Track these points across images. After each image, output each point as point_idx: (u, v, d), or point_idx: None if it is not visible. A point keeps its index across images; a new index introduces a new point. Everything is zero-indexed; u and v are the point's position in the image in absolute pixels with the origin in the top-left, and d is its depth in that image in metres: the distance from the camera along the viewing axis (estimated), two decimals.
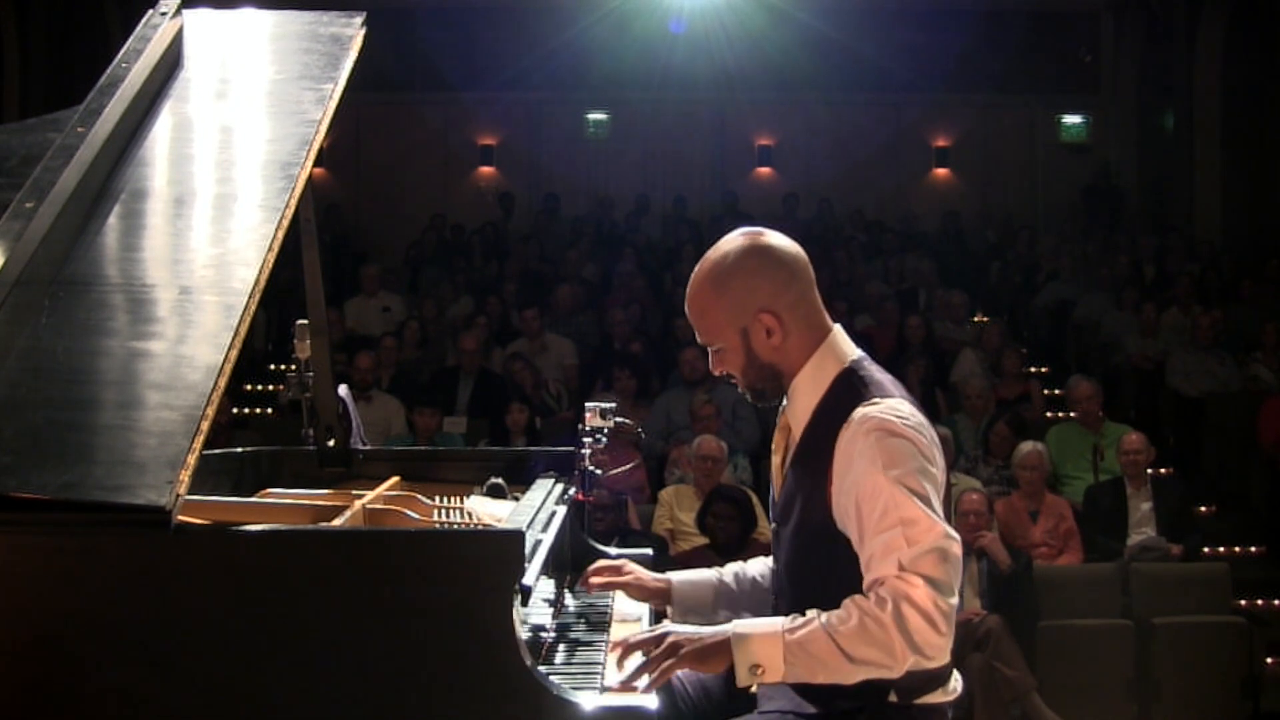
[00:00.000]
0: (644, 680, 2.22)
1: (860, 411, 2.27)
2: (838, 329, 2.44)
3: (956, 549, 2.18)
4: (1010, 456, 6.98)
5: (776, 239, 2.43)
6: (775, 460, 2.53)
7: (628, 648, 2.30)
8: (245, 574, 2.10)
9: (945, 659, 2.18)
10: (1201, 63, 13.00)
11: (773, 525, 2.54)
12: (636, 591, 2.69)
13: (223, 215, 2.66)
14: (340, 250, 12.56)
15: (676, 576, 2.69)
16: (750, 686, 2.24)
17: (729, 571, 2.70)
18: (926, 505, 2.17)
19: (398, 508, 2.92)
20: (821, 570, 2.30)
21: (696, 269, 2.44)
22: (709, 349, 2.46)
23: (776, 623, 2.22)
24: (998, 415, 7.60)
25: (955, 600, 2.16)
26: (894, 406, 2.27)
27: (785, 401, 2.45)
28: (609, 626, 2.73)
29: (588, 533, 3.29)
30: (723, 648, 2.20)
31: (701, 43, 13.88)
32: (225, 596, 2.08)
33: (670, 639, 2.24)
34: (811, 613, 2.20)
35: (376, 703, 2.07)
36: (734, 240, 2.43)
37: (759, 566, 2.70)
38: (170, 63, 3.00)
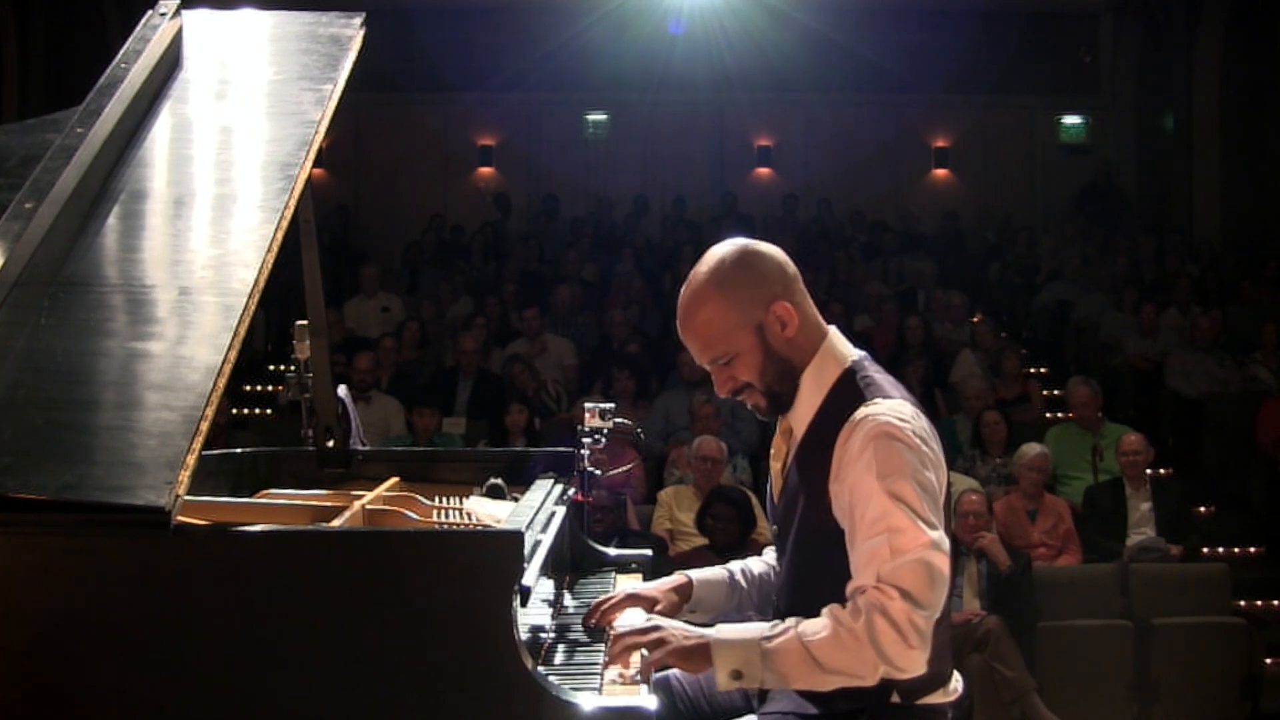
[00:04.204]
0: (621, 668, 2.25)
1: (862, 412, 2.26)
2: (834, 330, 2.45)
3: (941, 560, 2.17)
4: (1008, 450, 6.98)
5: (763, 245, 2.41)
6: (775, 466, 2.52)
7: (618, 636, 2.33)
8: (245, 574, 2.10)
9: (919, 670, 2.17)
10: (1201, 63, 13.00)
11: (773, 527, 2.54)
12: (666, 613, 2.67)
13: (222, 216, 2.66)
14: (340, 250, 12.56)
15: (696, 576, 2.67)
16: (731, 690, 2.26)
17: (736, 568, 2.70)
18: (916, 515, 2.17)
19: (397, 508, 2.92)
20: (824, 570, 2.30)
21: (688, 286, 2.37)
22: (716, 366, 2.38)
23: (756, 629, 2.24)
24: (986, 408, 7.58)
25: (933, 613, 2.16)
26: (896, 408, 2.27)
27: None
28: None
29: (587, 533, 3.29)
30: (704, 650, 2.23)
31: (701, 43, 13.87)
32: (225, 596, 2.08)
33: (658, 634, 2.28)
34: (790, 620, 2.21)
35: (376, 703, 2.07)
36: (721, 249, 2.39)
37: (761, 566, 2.70)
38: (170, 63, 3.00)
